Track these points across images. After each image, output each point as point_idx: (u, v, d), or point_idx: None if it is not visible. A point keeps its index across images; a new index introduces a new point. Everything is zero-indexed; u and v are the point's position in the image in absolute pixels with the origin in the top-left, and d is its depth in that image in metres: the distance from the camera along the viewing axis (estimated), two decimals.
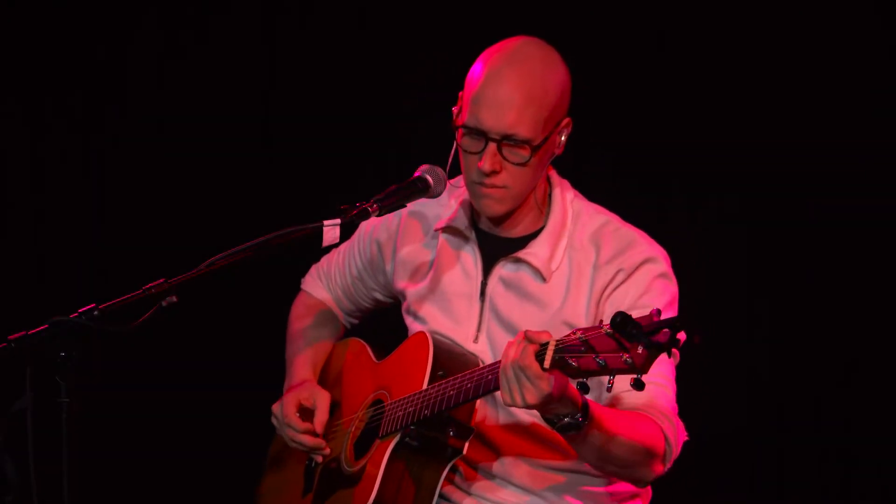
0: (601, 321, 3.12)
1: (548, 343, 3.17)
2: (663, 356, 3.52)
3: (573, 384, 3.24)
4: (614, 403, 3.53)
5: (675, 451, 3.52)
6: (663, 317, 3.01)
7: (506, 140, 3.55)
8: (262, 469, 4.13)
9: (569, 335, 3.15)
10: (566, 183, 3.77)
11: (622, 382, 3.24)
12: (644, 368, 3.04)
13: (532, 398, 3.20)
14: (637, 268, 3.61)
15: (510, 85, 3.54)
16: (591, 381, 3.44)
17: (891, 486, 5.17)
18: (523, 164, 3.57)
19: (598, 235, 3.67)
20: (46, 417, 3.17)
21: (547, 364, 3.16)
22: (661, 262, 3.64)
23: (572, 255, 3.67)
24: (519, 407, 3.23)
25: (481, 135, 3.56)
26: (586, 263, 3.65)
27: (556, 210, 3.71)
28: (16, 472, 3.20)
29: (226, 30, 5.72)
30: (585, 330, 3.12)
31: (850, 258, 5.16)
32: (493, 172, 3.57)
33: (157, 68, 5.73)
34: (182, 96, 5.73)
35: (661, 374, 3.54)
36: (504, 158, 3.57)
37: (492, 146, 3.56)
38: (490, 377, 3.37)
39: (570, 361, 3.12)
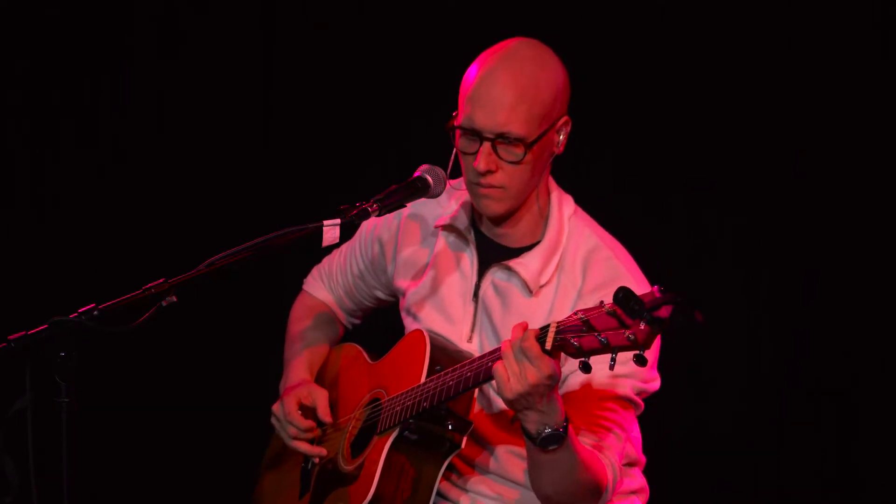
0: (601, 301, 3.12)
1: (549, 326, 3.19)
2: (629, 409, 3.54)
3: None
4: None
5: (610, 498, 3.52)
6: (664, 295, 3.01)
7: (499, 139, 3.56)
8: (259, 470, 4.12)
9: (569, 316, 3.16)
10: (569, 198, 3.77)
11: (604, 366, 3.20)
12: (647, 344, 3.04)
13: (533, 377, 3.21)
14: None
15: (502, 83, 3.55)
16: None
17: (891, 486, 5.17)
18: (518, 163, 3.58)
19: (587, 261, 3.67)
20: (46, 417, 3.17)
21: (549, 345, 3.18)
22: None
23: (561, 277, 3.68)
24: (518, 392, 3.24)
25: (476, 134, 3.57)
26: (572, 288, 3.66)
27: (553, 225, 3.71)
28: (16, 472, 3.20)
29: (225, 29, 5.72)
30: (586, 310, 3.13)
31: (849, 259, 5.16)
32: (489, 172, 3.58)
33: (157, 68, 5.73)
34: (182, 95, 5.73)
35: (618, 423, 3.55)
36: (499, 157, 3.58)
37: (486, 145, 3.57)
38: (489, 364, 3.37)
39: (571, 341, 3.14)
